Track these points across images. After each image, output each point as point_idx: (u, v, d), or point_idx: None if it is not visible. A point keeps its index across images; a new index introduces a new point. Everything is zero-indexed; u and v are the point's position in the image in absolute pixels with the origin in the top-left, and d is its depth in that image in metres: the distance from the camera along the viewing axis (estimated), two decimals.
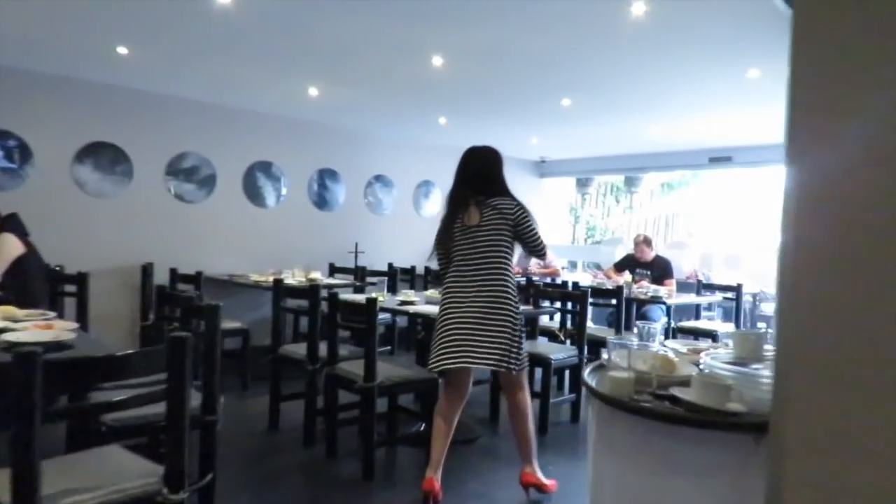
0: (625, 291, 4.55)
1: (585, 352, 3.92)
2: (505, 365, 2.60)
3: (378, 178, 6.97)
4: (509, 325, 2.60)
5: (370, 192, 6.92)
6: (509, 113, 5.66)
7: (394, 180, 7.09)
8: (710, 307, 5.93)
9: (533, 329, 4.32)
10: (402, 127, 6.61)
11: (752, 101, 4.74)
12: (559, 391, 4.53)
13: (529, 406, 2.82)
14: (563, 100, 4.99)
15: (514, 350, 2.62)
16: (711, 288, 5.61)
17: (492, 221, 2.72)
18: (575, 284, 5.19)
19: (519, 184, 8.08)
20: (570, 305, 4.40)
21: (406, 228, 7.20)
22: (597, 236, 10.01)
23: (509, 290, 2.64)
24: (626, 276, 5.52)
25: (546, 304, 4.62)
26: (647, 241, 5.67)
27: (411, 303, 3.72)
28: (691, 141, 6.43)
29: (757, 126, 5.61)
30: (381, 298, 3.30)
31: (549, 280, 6.71)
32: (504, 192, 2.82)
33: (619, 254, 7.42)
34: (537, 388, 3.66)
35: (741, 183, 9.70)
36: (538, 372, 3.78)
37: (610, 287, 4.86)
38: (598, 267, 8.84)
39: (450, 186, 2.84)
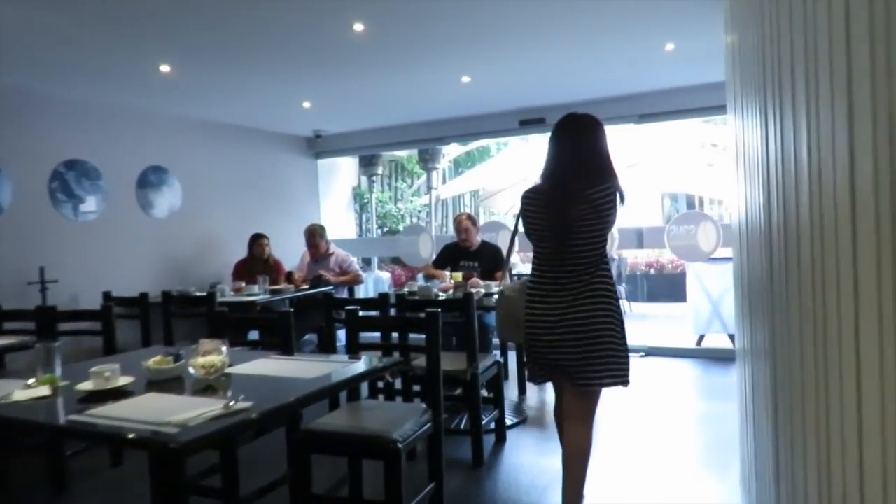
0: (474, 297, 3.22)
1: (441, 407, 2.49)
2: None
3: (71, 164, 4.68)
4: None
5: (58, 187, 4.61)
6: (274, 61, 3.95)
7: (100, 167, 4.85)
8: None
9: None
10: (106, 86, 4.45)
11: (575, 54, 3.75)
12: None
13: None
14: (354, 24, 3.43)
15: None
16: None
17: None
18: (383, 297, 3.51)
19: (288, 166, 6.23)
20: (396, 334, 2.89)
21: (129, 239, 5.03)
22: (390, 225, 8.67)
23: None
24: (456, 275, 4.22)
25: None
26: (473, 221, 4.47)
27: None
28: (499, 101, 5.35)
29: (576, 82, 4.70)
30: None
31: (347, 293, 5.20)
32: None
33: (425, 245, 6.15)
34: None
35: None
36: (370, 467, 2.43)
37: (448, 296, 3.49)
38: (398, 262, 7.49)
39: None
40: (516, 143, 9.12)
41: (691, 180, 8.13)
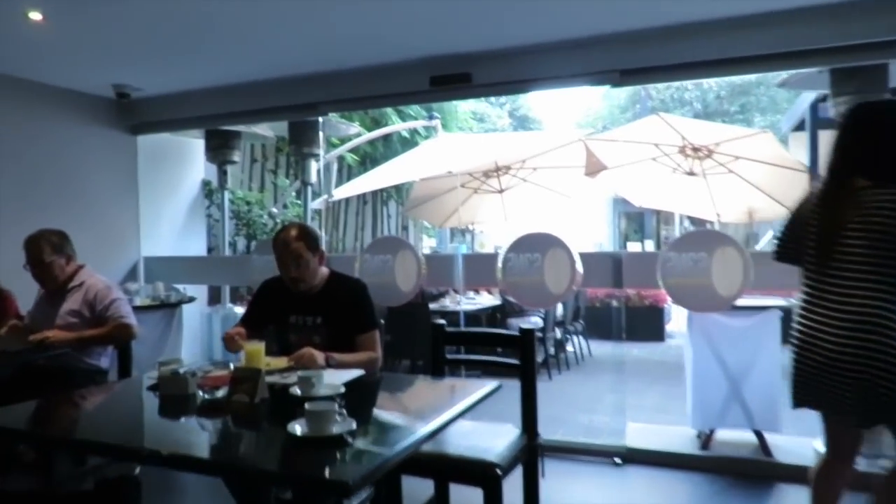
0: None
1: None
2: None
3: None
4: None
5: None
6: None
7: None
8: None
9: None
10: None
11: None
12: None
13: None
14: None
15: None
16: None
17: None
18: None
19: (78, 143, 4.00)
20: None
21: None
22: (260, 237, 6.40)
23: None
24: (276, 361, 2.08)
25: None
26: (310, 238, 2.75)
27: None
28: (400, 45, 3.35)
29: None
30: None
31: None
32: None
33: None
34: None
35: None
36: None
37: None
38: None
39: None
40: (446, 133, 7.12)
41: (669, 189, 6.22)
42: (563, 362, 7.21)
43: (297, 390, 1.91)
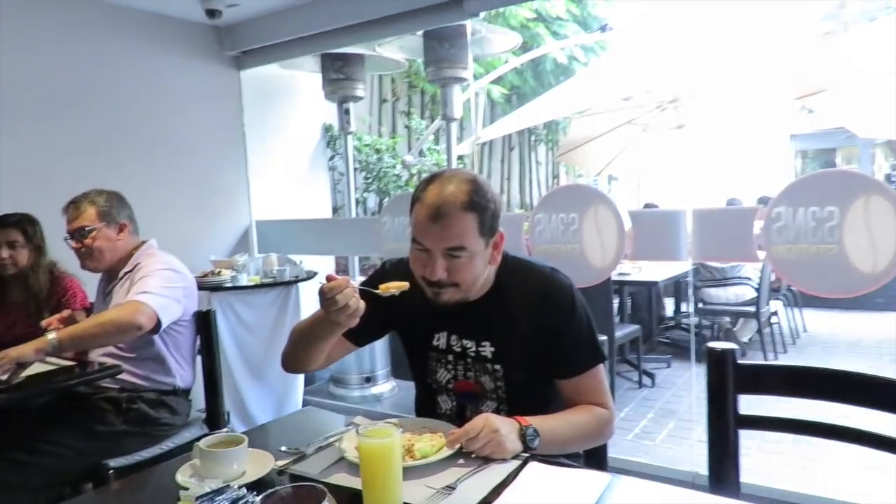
0: None
1: None
2: None
3: None
4: None
5: None
6: None
7: None
8: None
9: None
10: None
11: None
12: None
13: None
14: None
15: None
16: None
17: None
18: None
19: (170, 83, 3.04)
20: None
21: None
22: (392, 193, 5.35)
23: None
24: None
25: None
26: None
27: None
28: None
29: None
30: None
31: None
32: None
33: None
34: None
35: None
36: None
37: None
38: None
39: None
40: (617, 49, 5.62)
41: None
42: (777, 340, 5.63)
43: None
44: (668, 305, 6.58)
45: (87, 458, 2.00)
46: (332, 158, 4.81)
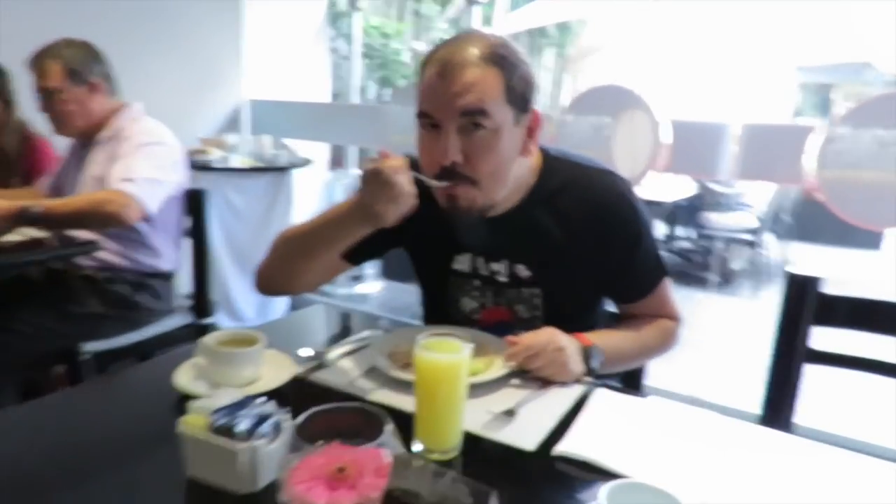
0: None
1: None
2: None
3: None
4: None
5: None
6: None
7: None
8: None
9: None
10: None
11: None
12: None
13: None
14: None
15: None
16: None
17: None
18: None
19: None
20: None
21: None
22: (397, 82, 4.90)
23: None
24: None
25: None
26: None
27: None
28: None
29: None
30: None
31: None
32: None
33: None
34: None
35: None
36: None
37: None
38: None
39: None
40: None
41: None
42: (764, 271, 5.57)
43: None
44: (660, 229, 6.46)
45: (61, 340, 1.80)
46: (334, 39, 4.37)
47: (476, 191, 1.06)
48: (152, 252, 1.97)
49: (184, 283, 2.19)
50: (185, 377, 0.92)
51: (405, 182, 0.96)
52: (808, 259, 6.65)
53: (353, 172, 4.10)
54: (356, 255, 1.21)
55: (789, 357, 1.31)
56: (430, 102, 1.02)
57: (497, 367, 1.01)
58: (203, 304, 2.15)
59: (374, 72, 4.66)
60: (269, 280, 1.19)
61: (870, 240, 7.72)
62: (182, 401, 0.85)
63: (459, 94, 0.99)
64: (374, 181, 0.96)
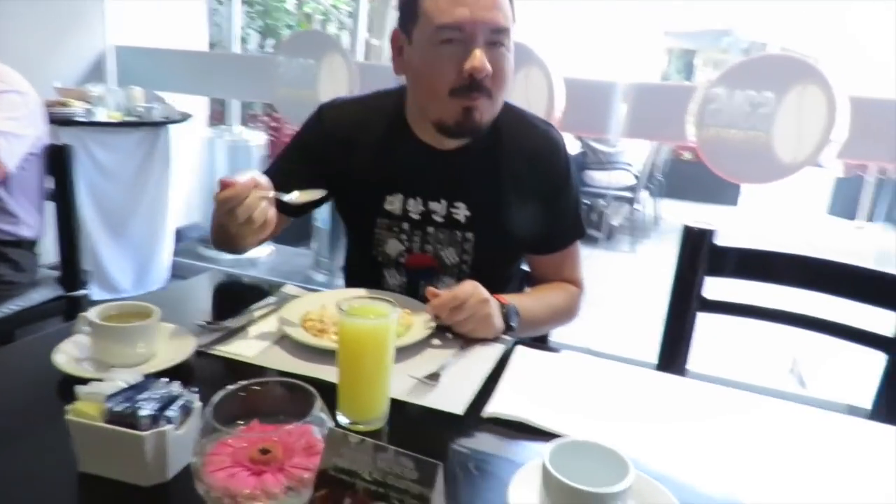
0: None
1: None
2: None
3: None
4: None
5: None
6: None
7: None
8: None
9: None
10: None
11: None
12: None
13: None
14: None
15: None
16: None
17: None
18: None
19: None
20: None
21: None
22: (283, 32, 4.59)
23: None
24: None
25: None
26: None
27: None
28: None
29: None
30: None
31: None
32: None
33: (335, 78, 2.55)
34: None
35: None
36: None
37: None
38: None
39: None
40: None
41: None
42: (640, 226, 5.93)
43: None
44: None
45: None
46: None
47: (490, 106, 1.09)
48: (11, 218, 1.73)
49: (49, 252, 1.97)
50: (65, 358, 0.80)
51: (247, 209, 0.90)
52: (678, 214, 7.17)
53: (237, 129, 3.84)
54: (299, 210, 1.16)
55: (685, 306, 1.38)
56: (461, 16, 1.02)
57: (418, 330, 0.97)
58: (72, 275, 1.93)
59: (254, 20, 4.34)
60: (218, 242, 1.10)
61: (729, 197, 8.51)
62: (65, 385, 0.74)
63: (490, 10, 1.03)
64: (220, 209, 0.92)
